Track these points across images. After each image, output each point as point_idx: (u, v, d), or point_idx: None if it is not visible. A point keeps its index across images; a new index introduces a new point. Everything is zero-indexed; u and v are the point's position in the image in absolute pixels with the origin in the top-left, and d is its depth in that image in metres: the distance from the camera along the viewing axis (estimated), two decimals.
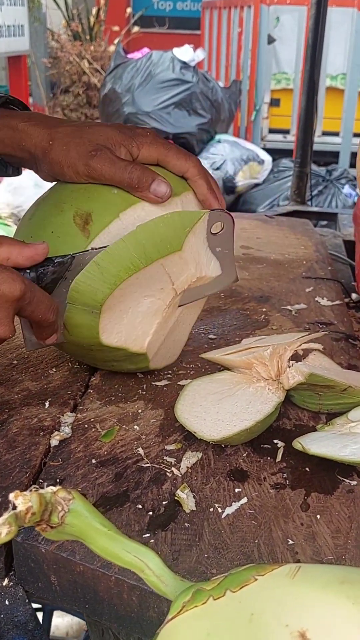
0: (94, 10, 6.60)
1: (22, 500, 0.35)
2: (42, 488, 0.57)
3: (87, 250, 0.66)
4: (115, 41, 5.41)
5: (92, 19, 6.54)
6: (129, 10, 7.62)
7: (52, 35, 6.49)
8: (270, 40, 5.08)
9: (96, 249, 0.67)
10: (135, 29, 7.03)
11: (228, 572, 0.37)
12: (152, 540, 0.53)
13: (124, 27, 6.92)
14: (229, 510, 0.56)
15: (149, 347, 0.73)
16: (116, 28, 6.69)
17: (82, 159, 0.68)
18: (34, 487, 0.36)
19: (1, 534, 0.32)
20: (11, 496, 0.35)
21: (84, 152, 0.68)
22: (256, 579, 0.34)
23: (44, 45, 6.38)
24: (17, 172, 0.77)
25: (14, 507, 0.35)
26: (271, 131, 5.48)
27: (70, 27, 6.54)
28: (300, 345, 0.71)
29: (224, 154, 4.30)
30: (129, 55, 4.68)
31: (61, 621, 1.60)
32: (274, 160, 4.50)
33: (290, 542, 0.53)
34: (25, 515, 0.34)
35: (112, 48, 6.04)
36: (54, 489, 0.37)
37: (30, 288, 0.60)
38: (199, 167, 0.72)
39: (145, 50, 4.63)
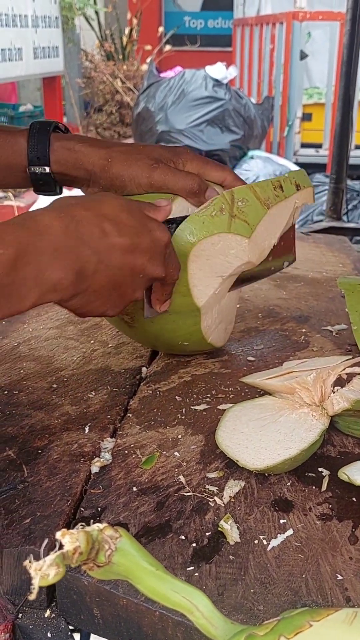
0: (126, 30, 6.68)
1: (70, 539, 0.34)
2: (84, 518, 0.57)
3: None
4: (148, 60, 5.46)
5: (124, 39, 6.63)
6: (160, 29, 7.70)
7: (86, 55, 6.59)
8: (303, 55, 5.08)
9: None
10: (167, 47, 7.09)
11: (280, 615, 0.36)
12: (196, 574, 0.51)
13: (156, 46, 6.99)
14: (275, 543, 0.55)
15: (205, 306, 0.79)
16: (148, 47, 6.76)
17: (144, 172, 0.75)
18: (80, 525, 0.36)
19: (49, 575, 0.32)
20: (58, 535, 0.34)
21: (145, 165, 0.75)
22: (311, 625, 0.33)
23: (77, 66, 6.47)
24: (61, 191, 0.82)
25: (61, 546, 0.34)
26: (303, 145, 5.46)
27: (103, 47, 6.63)
28: (343, 370, 0.69)
29: (257, 170, 4.29)
30: (162, 74, 4.72)
31: None
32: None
33: (340, 577, 0.51)
34: (72, 555, 0.33)
35: (144, 67, 6.10)
36: (101, 526, 0.36)
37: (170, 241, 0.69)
38: (233, 174, 0.81)
39: (178, 68, 4.67)
